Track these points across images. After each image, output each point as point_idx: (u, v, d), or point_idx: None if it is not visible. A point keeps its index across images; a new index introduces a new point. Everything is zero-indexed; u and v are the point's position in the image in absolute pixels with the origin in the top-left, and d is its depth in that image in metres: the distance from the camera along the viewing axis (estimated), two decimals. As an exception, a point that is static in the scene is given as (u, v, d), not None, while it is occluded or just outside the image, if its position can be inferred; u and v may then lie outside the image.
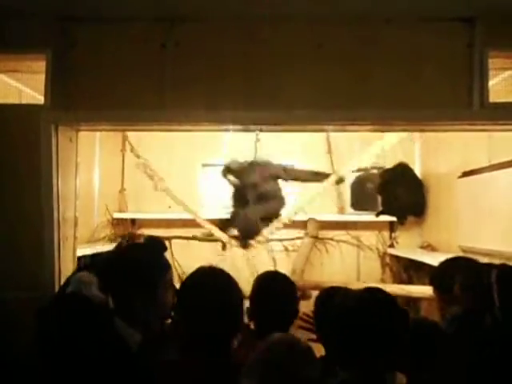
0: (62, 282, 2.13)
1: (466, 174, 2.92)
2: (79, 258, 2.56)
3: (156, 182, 3.20)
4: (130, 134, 3.57)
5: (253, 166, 3.28)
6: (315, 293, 3.33)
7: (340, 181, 3.22)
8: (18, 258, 2.07)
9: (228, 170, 3.28)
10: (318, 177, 3.27)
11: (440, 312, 1.72)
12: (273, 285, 1.70)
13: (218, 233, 3.39)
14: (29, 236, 2.10)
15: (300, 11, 2.00)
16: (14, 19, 1.96)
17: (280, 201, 3.31)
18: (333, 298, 1.50)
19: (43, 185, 2.07)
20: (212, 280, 1.33)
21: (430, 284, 1.75)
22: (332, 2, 1.92)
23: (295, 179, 3.37)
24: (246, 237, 3.30)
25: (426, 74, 2.08)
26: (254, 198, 3.23)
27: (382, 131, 2.36)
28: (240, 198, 3.29)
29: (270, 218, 3.26)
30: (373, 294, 1.27)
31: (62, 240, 2.19)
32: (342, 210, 3.80)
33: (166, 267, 1.55)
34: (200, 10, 2.00)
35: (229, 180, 3.28)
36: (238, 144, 3.73)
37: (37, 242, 2.10)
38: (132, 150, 3.25)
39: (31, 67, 2.12)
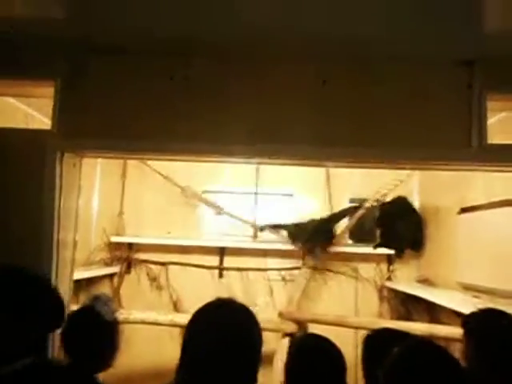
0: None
1: (464, 210, 2.94)
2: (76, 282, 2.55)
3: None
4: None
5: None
6: (311, 326, 3.33)
7: None
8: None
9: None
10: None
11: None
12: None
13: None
14: (28, 258, 2.09)
15: (305, 50, 2.06)
16: (25, 44, 1.99)
17: None
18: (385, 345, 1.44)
19: (45, 208, 2.07)
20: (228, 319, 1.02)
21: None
22: (336, 41, 1.98)
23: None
24: None
25: (427, 114, 2.12)
26: None
27: (383, 168, 2.39)
28: None
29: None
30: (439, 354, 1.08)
31: (60, 263, 2.18)
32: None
33: None
34: (208, 47, 2.05)
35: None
36: (239, 171, 3.78)
37: (36, 265, 2.08)
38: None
39: (39, 92, 2.15)
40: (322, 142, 2.09)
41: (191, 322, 1.02)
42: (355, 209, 3.57)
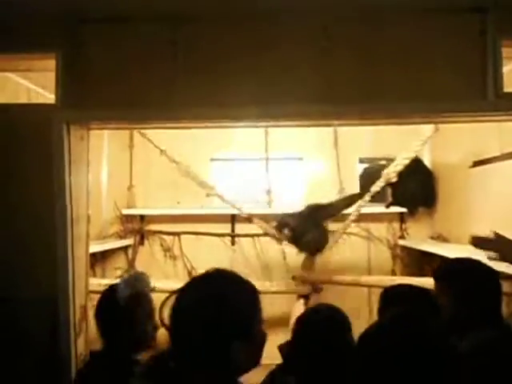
0: (74, 280, 2.15)
1: (477, 163, 2.90)
2: (91, 255, 2.57)
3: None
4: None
5: (304, 216, 3.24)
6: (325, 286, 3.37)
7: None
8: (33, 259, 2.08)
9: (283, 225, 3.25)
10: (354, 198, 3.27)
11: None
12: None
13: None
14: (42, 236, 2.11)
15: (308, 4, 1.98)
16: (23, 19, 1.95)
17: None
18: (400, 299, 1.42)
19: (56, 184, 2.07)
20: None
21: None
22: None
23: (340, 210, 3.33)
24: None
25: (438, 66, 2.05)
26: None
27: (394, 124, 2.34)
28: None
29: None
30: None
31: (75, 238, 2.20)
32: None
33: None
34: (208, 8, 1.98)
35: (284, 234, 3.26)
36: (247, 138, 3.73)
37: (50, 242, 2.10)
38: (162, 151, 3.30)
39: (41, 66, 2.10)
40: (329, 100, 2.03)
41: (179, 293, 1.05)
42: (360, 196, 3.28)
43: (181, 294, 1.04)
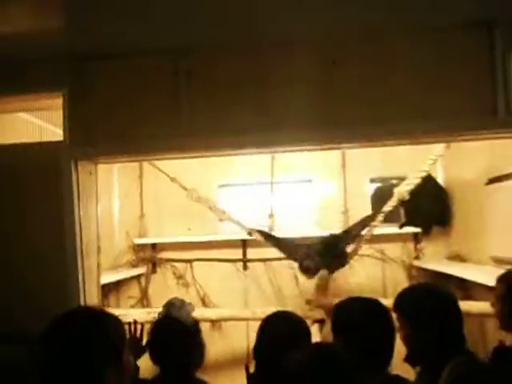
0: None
1: (492, 180, 2.83)
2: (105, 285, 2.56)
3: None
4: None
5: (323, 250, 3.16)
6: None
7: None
8: (45, 291, 2.09)
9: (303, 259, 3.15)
10: (367, 220, 3.19)
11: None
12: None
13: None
14: (54, 269, 2.12)
15: (312, 30, 1.98)
16: (30, 60, 1.99)
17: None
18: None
19: (65, 219, 2.08)
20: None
21: None
22: (345, 16, 1.88)
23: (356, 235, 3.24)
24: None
25: (446, 83, 2.02)
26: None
27: (404, 145, 2.30)
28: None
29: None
30: None
31: (86, 271, 2.19)
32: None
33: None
34: (208, 38, 2.00)
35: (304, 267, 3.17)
36: (254, 163, 3.73)
37: (62, 275, 2.11)
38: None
39: (50, 104, 2.14)
40: (334, 124, 2.01)
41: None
42: (370, 218, 3.16)
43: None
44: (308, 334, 1.48)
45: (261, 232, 3.33)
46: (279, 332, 1.43)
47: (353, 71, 2.05)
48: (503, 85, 1.97)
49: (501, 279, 1.72)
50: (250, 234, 3.32)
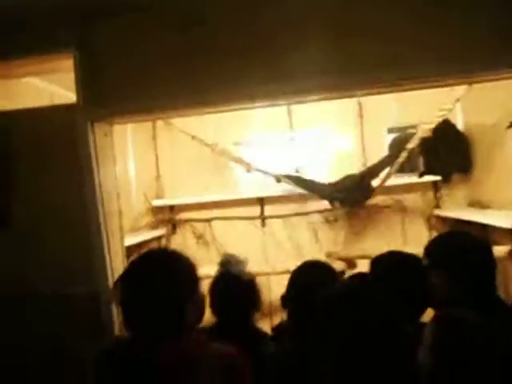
0: (113, 274, 2.19)
1: (515, 123, 2.74)
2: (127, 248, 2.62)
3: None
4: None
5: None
6: (361, 261, 3.32)
7: None
8: (70, 255, 2.13)
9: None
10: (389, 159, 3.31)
11: None
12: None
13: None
14: (77, 233, 2.15)
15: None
16: (39, 21, 1.93)
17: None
18: None
19: (86, 182, 2.09)
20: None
21: None
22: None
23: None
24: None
25: (465, 23, 1.91)
26: None
27: (426, 89, 2.22)
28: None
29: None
30: None
31: (109, 233, 2.22)
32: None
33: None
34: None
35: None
36: (270, 117, 3.66)
37: (86, 238, 2.14)
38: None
39: (61, 66, 2.10)
40: (349, 69, 1.94)
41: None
42: (391, 157, 3.30)
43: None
44: (337, 280, 1.50)
45: (289, 177, 3.45)
46: (309, 280, 1.46)
47: (365, 10, 1.94)
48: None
49: None
50: (278, 180, 3.41)
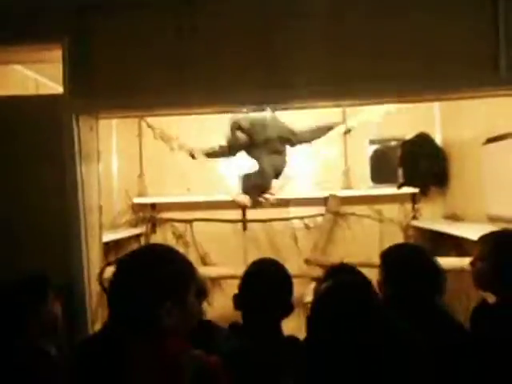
0: (89, 269, 2.18)
1: (490, 140, 2.84)
2: (104, 244, 2.60)
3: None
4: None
5: (264, 124, 3.36)
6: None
7: (348, 131, 3.40)
8: (47, 250, 2.10)
9: (237, 127, 3.33)
10: (322, 130, 3.40)
11: None
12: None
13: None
14: (56, 228, 2.13)
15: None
16: (30, 10, 1.93)
17: (285, 159, 3.50)
18: None
19: (67, 175, 2.08)
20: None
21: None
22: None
23: (303, 141, 3.45)
24: (261, 188, 3.50)
25: (448, 39, 2.00)
26: (265, 154, 3.41)
27: (402, 103, 2.29)
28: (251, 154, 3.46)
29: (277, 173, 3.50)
30: None
31: (88, 228, 2.22)
32: (349, 186, 3.79)
33: None
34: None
35: (237, 136, 3.36)
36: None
37: (64, 233, 2.12)
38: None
39: (49, 57, 2.10)
40: (336, 80, 2.00)
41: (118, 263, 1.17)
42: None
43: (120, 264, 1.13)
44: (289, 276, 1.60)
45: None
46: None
47: (354, 26, 2.01)
48: (505, 39, 1.94)
49: (484, 238, 1.71)
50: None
